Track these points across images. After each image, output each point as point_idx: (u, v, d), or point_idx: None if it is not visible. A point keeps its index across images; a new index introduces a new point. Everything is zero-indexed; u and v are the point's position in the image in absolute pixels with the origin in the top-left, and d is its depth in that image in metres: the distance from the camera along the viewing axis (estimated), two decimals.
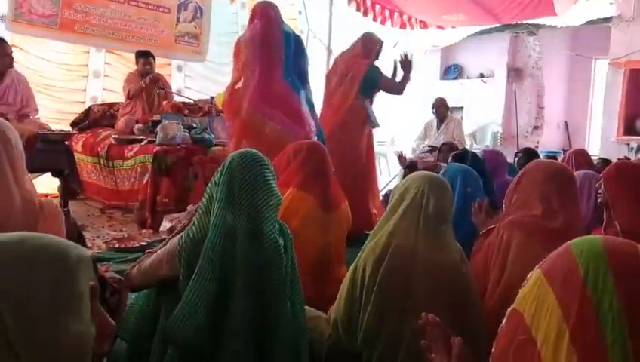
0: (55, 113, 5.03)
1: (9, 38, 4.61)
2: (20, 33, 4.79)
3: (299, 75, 3.56)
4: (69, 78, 5.25)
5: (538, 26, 7.71)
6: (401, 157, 4.84)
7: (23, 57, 4.87)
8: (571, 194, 1.95)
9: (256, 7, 3.65)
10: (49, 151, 3.67)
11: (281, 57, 3.44)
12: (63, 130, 4.22)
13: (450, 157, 3.94)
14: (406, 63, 4.14)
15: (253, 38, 3.42)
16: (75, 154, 4.21)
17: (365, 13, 6.64)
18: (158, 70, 5.17)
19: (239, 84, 3.43)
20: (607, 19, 6.85)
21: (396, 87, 4.16)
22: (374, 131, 4.22)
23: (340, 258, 2.41)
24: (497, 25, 7.49)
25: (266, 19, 3.47)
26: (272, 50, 3.41)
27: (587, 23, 6.93)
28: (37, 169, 3.61)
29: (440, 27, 7.34)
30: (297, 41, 3.64)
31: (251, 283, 1.50)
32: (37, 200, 1.44)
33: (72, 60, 5.27)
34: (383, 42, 4.12)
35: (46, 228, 1.41)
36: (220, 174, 1.58)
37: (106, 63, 5.49)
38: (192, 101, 4.80)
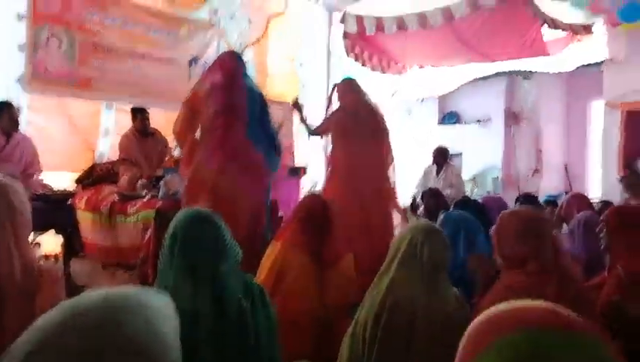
0: (65, 170, 5.07)
1: (26, 99, 4.70)
2: (37, 93, 4.83)
3: (266, 137, 3.37)
4: (83, 138, 5.32)
5: (532, 72, 7.87)
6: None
7: (39, 118, 4.92)
8: (546, 238, 1.86)
9: (220, 58, 3.51)
10: (51, 210, 3.70)
11: (245, 113, 3.25)
12: (65, 190, 4.27)
13: (452, 206, 3.96)
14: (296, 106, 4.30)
15: (214, 89, 3.22)
16: (77, 211, 4.23)
17: (364, 64, 6.81)
18: (168, 124, 5.24)
19: (190, 137, 3.30)
20: (599, 64, 6.99)
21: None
22: None
23: (340, 316, 2.31)
24: (493, 72, 7.65)
25: (227, 70, 3.29)
26: (234, 104, 3.22)
27: (580, 67, 7.08)
28: (39, 228, 3.63)
29: (436, 66, 7.48)
30: (262, 98, 3.45)
31: (216, 354, 1.42)
32: (37, 267, 1.45)
33: (86, 121, 5.33)
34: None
35: (45, 294, 1.42)
36: (170, 238, 1.52)
37: (115, 123, 5.57)
38: None
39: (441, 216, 3.10)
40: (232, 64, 3.38)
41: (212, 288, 1.45)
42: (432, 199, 4.12)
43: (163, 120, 5.23)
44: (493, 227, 1.95)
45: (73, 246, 3.81)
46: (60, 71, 4.89)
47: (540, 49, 5.98)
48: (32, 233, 3.32)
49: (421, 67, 7.43)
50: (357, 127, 3.85)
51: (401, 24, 5.48)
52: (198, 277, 1.45)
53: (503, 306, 0.72)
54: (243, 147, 3.24)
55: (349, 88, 4.03)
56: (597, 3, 4.35)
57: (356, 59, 6.71)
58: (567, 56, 6.76)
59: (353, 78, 4.21)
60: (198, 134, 3.35)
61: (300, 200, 2.88)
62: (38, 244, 3.43)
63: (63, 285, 1.49)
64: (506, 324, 0.67)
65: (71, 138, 5.21)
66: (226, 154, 3.17)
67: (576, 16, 5.83)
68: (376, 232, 3.67)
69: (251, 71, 3.81)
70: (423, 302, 1.68)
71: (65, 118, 5.13)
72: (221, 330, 1.44)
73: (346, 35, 6.33)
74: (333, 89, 4.17)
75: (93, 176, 4.81)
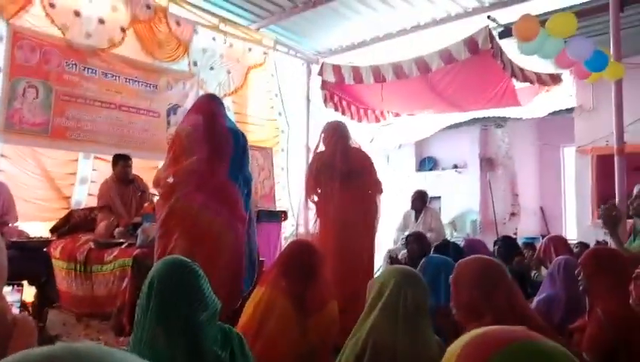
0: (38, 219, 4.97)
1: None
2: (11, 143, 4.80)
3: (244, 179, 3.38)
4: (57, 186, 5.24)
5: (505, 119, 8.12)
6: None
7: (12, 167, 4.87)
8: (505, 283, 1.88)
9: (199, 101, 3.54)
10: (26, 258, 3.60)
11: (228, 154, 3.26)
12: (41, 237, 4.18)
13: (432, 249, 3.97)
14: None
15: (196, 130, 3.21)
16: (53, 260, 4.13)
17: (343, 113, 6.94)
18: (147, 172, 5.24)
19: (171, 179, 3.22)
20: (569, 110, 7.27)
21: None
22: None
23: (324, 357, 2.29)
24: (467, 119, 7.87)
25: (208, 113, 3.31)
26: (218, 145, 3.23)
27: (550, 114, 7.33)
28: (14, 277, 3.52)
29: (411, 114, 7.66)
30: (244, 138, 3.47)
31: None
32: (10, 316, 1.41)
33: (60, 169, 5.28)
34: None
35: (17, 345, 1.37)
36: (148, 287, 1.50)
37: (93, 170, 5.53)
38: None
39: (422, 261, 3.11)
40: (210, 105, 3.40)
41: (188, 338, 1.43)
42: (415, 244, 4.10)
43: (141, 169, 5.22)
44: (451, 276, 1.95)
45: (49, 296, 3.69)
46: (35, 121, 4.88)
47: (511, 100, 6.19)
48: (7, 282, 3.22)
49: (397, 115, 7.60)
50: (333, 171, 3.89)
51: (377, 74, 5.64)
52: (175, 327, 1.43)
53: (483, 330, 0.80)
54: (225, 186, 3.24)
55: (331, 132, 4.05)
56: (563, 56, 4.54)
57: (336, 109, 6.84)
58: (538, 104, 7.01)
59: (339, 121, 4.26)
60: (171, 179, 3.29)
61: (282, 244, 2.87)
62: (22, 286, 3.31)
63: (36, 336, 1.44)
64: (499, 340, 0.76)
65: (44, 186, 5.13)
66: (208, 193, 3.16)
67: (545, 66, 6.09)
68: (358, 273, 3.66)
69: (231, 119, 3.87)
70: (405, 345, 1.67)
71: (39, 167, 5.07)
72: None
73: (323, 86, 6.47)
74: (321, 133, 4.17)
75: (70, 224, 4.73)
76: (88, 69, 5.28)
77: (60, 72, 5.07)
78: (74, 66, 5.17)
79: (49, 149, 5.10)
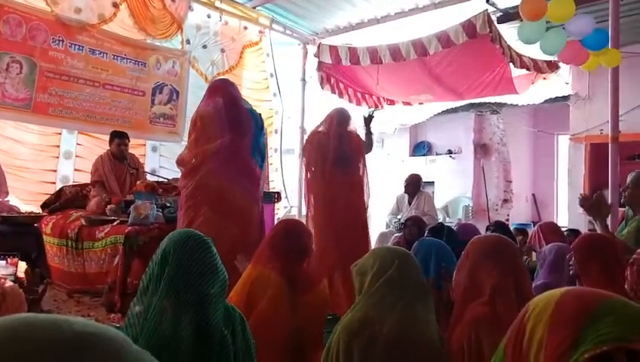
0: (24, 194, 4.94)
1: None
2: None
3: (261, 157, 3.64)
4: (40, 159, 5.20)
5: (501, 105, 8.10)
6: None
7: None
8: (516, 264, 1.87)
9: (214, 84, 3.70)
10: (17, 233, 3.57)
11: (250, 133, 3.47)
12: (32, 212, 4.15)
13: (427, 231, 3.99)
14: (368, 119, 4.45)
15: (218, 111, 3.37)
16: (44, 236, 4.10)
17: (341, 96, 6.91)
18: (132, 150, 5.20)
19: (194, 159, 3.37)
20: (565, 98, 7.27)
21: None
22: None
23: (315, 342, 2.28)
24: (462, 104, 7.84)
25: (228, 95, 3.48)
26: (240, 124, 3.42)
27: (546, 101, 7.34)
28: (6, 250, 3.49)
29: (407, 103, 7.63)
30: (260, 118, 3.71)
31: None
32: (0, 289, 1.39)
33: (43, 141, 5.23)
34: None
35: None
36: (161, 256, 1.51)
37: (78, 144, 5.48)
38: (165, 180, 4.81)
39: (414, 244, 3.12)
40: (227, 88, 3.58)
41: (198, 311, 1.43)
42: (415, 227, 4.18)
43: None
44: (464, 251, 1.96)
45: (39, 272, 3.67)
46: (18, 96, 4.84)
47: (508, 87, 6.16)
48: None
49: (391, 103, 7.56)
50: (325, 152, 4.03)
51: (374, 55, 5.59)
52: (186, 299, 1.43)
53: (568, 288, 0.85)
54: (248, 163, 3.48)
55: (333, 116, 4.19)
56: (565, 52, 4.46)
57: (333, 92, 6.79)
58: (534, 91, 6.99)
59: (343, 108, 4.40)
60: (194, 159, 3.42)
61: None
62: (17, 257, 3.30)
63: (26, 308, 1.43)
64: (595, 295, 0.81)
65: (29, 160, 5.10)
66: (233, 169, 3.34)
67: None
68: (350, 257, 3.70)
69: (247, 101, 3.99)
70: (400, 328, 1.65)
71: (22, 141, 5.05)
72: (201, 357, 1.41)
73: (320, 68, 6.41)
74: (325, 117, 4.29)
75: (61, 200, 4.69)
76: (75, 45, 5.21)
77: (46, 48, 5.01)
78: (60, 42, 5.11)
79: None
